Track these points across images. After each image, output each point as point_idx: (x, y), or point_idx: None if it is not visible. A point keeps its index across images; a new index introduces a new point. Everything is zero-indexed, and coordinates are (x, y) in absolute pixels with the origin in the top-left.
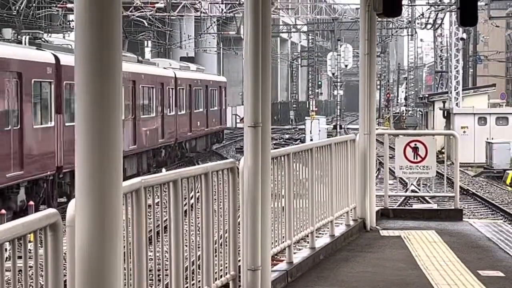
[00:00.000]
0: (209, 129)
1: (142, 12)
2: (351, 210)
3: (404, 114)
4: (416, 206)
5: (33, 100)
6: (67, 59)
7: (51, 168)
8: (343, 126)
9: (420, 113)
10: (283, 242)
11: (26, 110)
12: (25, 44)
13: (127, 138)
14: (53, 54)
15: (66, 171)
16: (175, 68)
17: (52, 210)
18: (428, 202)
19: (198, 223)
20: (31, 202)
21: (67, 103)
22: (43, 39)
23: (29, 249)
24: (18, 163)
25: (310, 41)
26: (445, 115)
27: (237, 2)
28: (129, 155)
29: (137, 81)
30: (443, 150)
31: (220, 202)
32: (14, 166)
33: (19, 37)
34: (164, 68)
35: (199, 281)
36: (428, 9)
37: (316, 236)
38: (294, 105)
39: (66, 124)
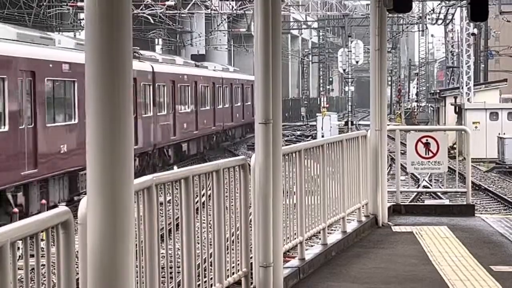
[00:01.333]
0: (244, 120)
1: (153, 10)
2: (363, 206)
3: (415, 110)
4: (428, 201)
5: (144, 98)
6: (157, 68)
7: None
8: (354, 122)
9: (432, 108)
10: (295, 238)
11: (139, 106)
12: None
13: (192, 125)
14: (150, 65)
15: None
16: (219, 70)
17: (63, 208)
18: (440, 198)
19: (210, 220)
20: (44, 201)
21: (158, 99)
22: (139, 53)
23: (41, 247)
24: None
25: (320, 37)
26: (457, 110)
27: None
28: (203, 136)
29: (198, 82)
30: (454, 146)
31: (232, 199)
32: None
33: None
34: (214, 70)
35: (211, 278)
36: (439, 4)
37: (328, 233)
38: (305, 102)
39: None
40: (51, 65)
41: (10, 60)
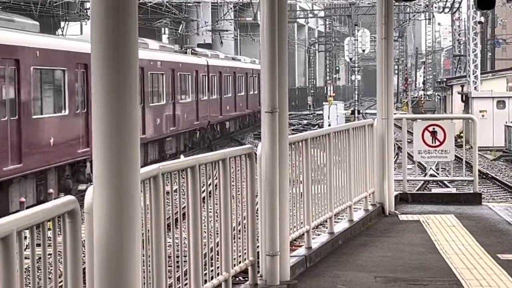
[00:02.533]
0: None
1: None
2: (369, 195)
3: (422, 99)
4: (435, 190)
5: (201, 87)
6: (210, 62)
7: None
8: (361, 111)
9: (439, 97)
10: (302, 227)
11: (199, 91)
12: (189, 54)
13: (232, 108)
14: (206, 60)
15: None
16: (248, 62)
17: (70, 197)
18: (447, 186)
19: (216, 209)
20: (51, 190)
21: (211, 86)
22: (194, 50)
23: (48, 237)
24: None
25: (327, 26)
26: (464, 99)
27: None
28: (243, 115)
29: (236, 72)
30: (461, 134)
31: (238, 188)
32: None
33: (182, 49)
34: (244, 62)
35: (218, 267)
36: None
37: (334, 221)
38: (312, 91)
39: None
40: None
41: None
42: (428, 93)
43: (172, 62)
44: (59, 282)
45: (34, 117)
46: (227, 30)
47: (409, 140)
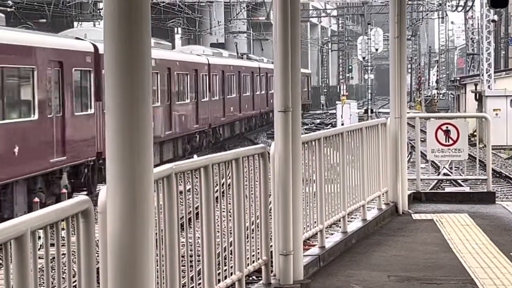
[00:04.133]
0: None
1: None
2: (383, 194)
3: (435, 97)
4: (449, 189)
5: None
6: (262, 65)
7: None
8: (374, 110)
9: (452, 96)
10: (315, 226)
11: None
12: (244, 59)
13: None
14: (258, 62)
15: None
16: (265, 62)
17: (83, 197)
18: (461, 185)
19: (230, 208)
20: (64, 190)
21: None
22: (248, 55)
23: (62, 236)
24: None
25: (340, 25)
26: (477, 97)
27: None
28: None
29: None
30: (475, 133)
31: (251, 187)
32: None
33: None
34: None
35: (231, 266)
36: None
37: (348, 221)
38: (325, 90)
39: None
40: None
41: None
42: (442, 92)
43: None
44: (73, 282)
45: None
46: (266, 39)
47: (422, 139)
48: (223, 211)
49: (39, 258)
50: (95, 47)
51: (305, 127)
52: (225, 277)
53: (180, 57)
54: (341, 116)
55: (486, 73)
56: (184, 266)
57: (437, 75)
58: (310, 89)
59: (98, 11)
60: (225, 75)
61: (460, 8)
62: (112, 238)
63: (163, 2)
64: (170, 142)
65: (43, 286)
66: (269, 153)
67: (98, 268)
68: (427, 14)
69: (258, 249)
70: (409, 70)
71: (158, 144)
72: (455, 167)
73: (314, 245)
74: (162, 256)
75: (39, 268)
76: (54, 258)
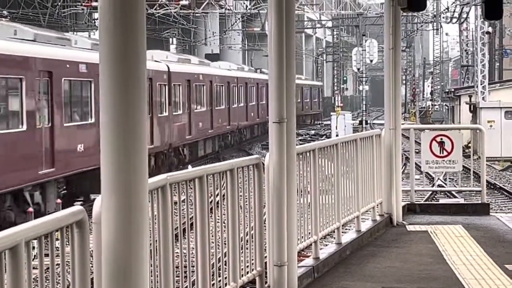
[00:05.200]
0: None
1: (167, 9)
2: (377, 205)
3: (430, 109)
4: (443, 200)
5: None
6: (173, 67)
7: None
8: (368, 121)
9: (446, 107)
10: (309, 237)
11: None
12: (257, 72)
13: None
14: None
15: None
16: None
17: (78, 207)
18: (455, 197)
19: (224, 219)
20: (59, 200)
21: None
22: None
23: (56, 247)
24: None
25: (335, 36)
26: (472, 109)
27: None
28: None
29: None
30: (469, 144)
31: (246, 198)
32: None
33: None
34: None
35: (225, 277)
36: (453, 3)
37: (342, 232)
38: (320, 101)
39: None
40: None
41: None
42: (436, 103)
43: None
44: None
45: None
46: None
47: (416, 151)
48: (218, 222)
49: (34, 268)
50: (168, 67)
51: (299, 138)
52: None
53: (312, 83)
54: (336, 127)
55: (481, 84)
56: (179, 276)
57: (431, 87)
58: (321, 99)
59: (93, 22)
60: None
61: (454, 20)
62: (106, 248)
63: (158, 13)
64: None
65: None
66: (263, 164)
67: (92, 279)
68: (421, 26)
69: (253, 260)
70: (404, 82)
71: None
72: (449, 178)
73: (308, 256)
74: (157, 267)
75: (33, 279)
76: (48, 268)
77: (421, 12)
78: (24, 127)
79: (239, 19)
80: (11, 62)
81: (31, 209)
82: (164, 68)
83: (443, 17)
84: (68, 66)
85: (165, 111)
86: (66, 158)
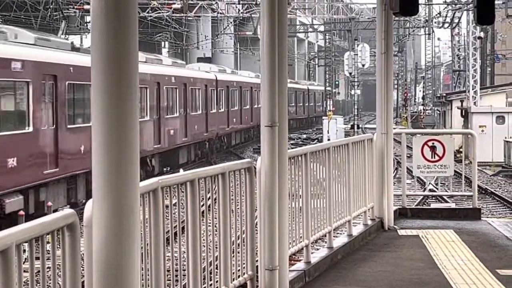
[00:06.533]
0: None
1: (159, 13)
2: (368, 209)
3: (421, 113)
4: (434, 205)
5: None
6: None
7: None
8: (360, 125)
9: (438, 112)
10: (301, 242)
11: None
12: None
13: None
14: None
15: None
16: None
17: (69, 211)
18: (446, 201)
19: (216, 223)
20: (50, 203)
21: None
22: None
23: (47, 250)
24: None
25: (327, 40)
26: (463, 114)
27: (254, 3)
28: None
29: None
30: (461, 149)
31: (238, 202)
32: None
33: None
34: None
35: (216, 281)
36: (445, 8)
37: (333, 236)
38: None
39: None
40: None
41: None
42: (428, 108)
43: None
44: None
45: None
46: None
47: (408, 155)
48: (209, 226)
49: (24, 271)
50: (216, 76)
51: (291, 142)
52: None
53: (315, 88)
54: (328, 131)
55: (472, 89)
56: (170, 280)
57: (423, 91)
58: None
59: (86, 24)
60: (161, 89)
61: (446, 25)
62: (97, 252)
63: (150, 16)
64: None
65: None
66: (255, 168)
67: (83, 282)
68: (413, 31)
69: (244, 263)
70: (396, 86)
71: None
72: (441, 183)
73: (299, 260)
74: (148, 270)
75: (24, 282)
76: (39, 271)
77: (413, 17)
78: None
79: (231, 23)
80: None
81: (22, 212)
82: (320, 88)
83: (435, 22)
84: None
85: (314, 103)
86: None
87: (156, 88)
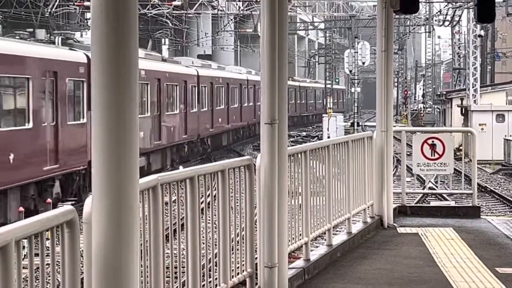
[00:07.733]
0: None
1: (159, 10)
2: (368, 207)
3: (421, 111)
4: (434, 203)
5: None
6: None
7: None
8: (360, 123)
9: (438, 110)
10: (300, 239)
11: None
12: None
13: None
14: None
15: None
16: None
17: (69, 207)
18: (446, 199)
19: (215, 220)
20: (49, 200)
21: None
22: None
23: (46, 246)
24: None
25: (327, 38)
26: (463, 112)
27: (254, 0)
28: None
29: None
30: (460, 147)
31: (237, 199)
32: None
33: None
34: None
35: (216, 278)
36: (446, 6)
37: (333, 234)
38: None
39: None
40: None
41: None
42: (428, 106)
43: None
44: None
45: None
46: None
47: (408, 153)
48: (209, 223)
49: (23, 268)
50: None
51: (291, 139)
52: None
53: (319, 86)
54: (328, 129)
55: (472, 87)
56: (169, 277)
57: (423, 89)
58: (344, 100)
59: (86, 21)
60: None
61: (447, 23)
62: (97, 248)
63: (150, 13)
64: None
65: None
66: (255, 165)
67: (82, 279)
68: (414, 28)
69: (243, 261)
70: (396, 84)
71: None
72: (440, 181)
73: (299, 258)
74: (147, 267)
75: (23, 278)
76: (38, 268)
77: (413, 15)
78: None
79: (231, 20)
80: None
81: (21, 208)
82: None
83: (435, 20)
84: None
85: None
86: None
87: (322, 91)
